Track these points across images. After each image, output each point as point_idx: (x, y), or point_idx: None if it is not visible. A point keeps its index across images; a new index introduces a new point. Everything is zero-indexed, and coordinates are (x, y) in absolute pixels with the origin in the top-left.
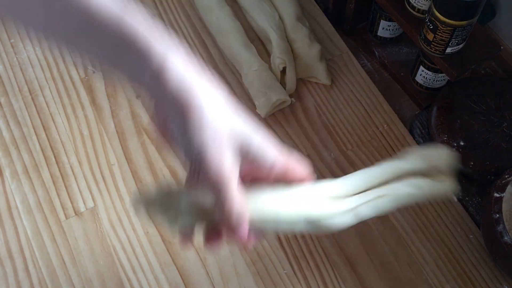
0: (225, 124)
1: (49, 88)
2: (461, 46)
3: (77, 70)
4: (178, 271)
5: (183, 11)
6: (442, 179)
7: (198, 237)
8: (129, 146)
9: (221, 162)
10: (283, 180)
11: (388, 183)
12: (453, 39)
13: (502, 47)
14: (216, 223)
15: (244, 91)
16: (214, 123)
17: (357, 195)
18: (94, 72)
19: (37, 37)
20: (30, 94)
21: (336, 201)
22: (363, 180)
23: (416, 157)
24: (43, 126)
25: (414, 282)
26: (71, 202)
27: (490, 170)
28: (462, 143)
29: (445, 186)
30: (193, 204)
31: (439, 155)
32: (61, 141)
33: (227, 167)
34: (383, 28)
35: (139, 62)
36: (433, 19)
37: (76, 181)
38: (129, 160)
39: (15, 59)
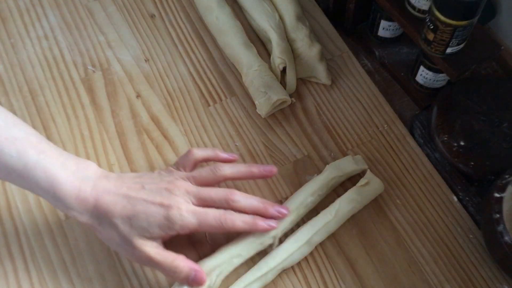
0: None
1: (49, 88)
2: (461, 46)
3: (77, 70)
4: None
5: (183, 11)
6: (367, 181)
7: (198, 237)
8: (129, 146)
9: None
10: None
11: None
12: (453, 39)
13: (502, 47)
14: None
15: (244, 91)
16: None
17: (307, 225)
18: (94, 72)
19: None
20: (30, 94)
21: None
22: (299, 204)
23: (331, 169)
24: (43, 126)
25: (414, 282)
26: None
27: (490, 170)
28: (462, 143)
29: (374, 186)
30: None
31: (348, 161)
32: (61, 141)
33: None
34: (383, 28)
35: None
36: (433, 19)
37: None
38: (129, 160)
39: (15, 59)
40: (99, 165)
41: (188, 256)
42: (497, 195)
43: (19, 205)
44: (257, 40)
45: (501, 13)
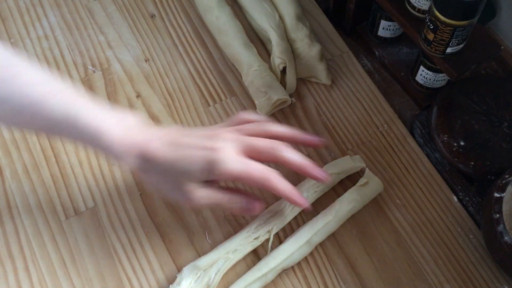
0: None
1: None
2: (461, 46)
3: (77, 70)
4: (178, 270)
5: (183, 11)
6: (367, 181)
7: (198, 237)
8: None
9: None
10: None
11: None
12: (453, 39)
13: (502, 47)
14: None
15: (244, 91)
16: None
17: (307, 226)
18: (94, 72)
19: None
20: None
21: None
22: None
23: (328, 166)
24: None
25: (414, 282)
26: (71, 202)
27: (490, 170)
28: (462, 143)
29: (374, 186)
30: None
31: (345, 160)
32: (62, 141)
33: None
34: (383, 28)
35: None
36: (433, 19)
37: (76, 181)
38: None
39: None
40: (99, 165)
41: (187, 255)
42: (497, 195)
43: (19, 205)
44: (257, 40)
45: (501, 13)
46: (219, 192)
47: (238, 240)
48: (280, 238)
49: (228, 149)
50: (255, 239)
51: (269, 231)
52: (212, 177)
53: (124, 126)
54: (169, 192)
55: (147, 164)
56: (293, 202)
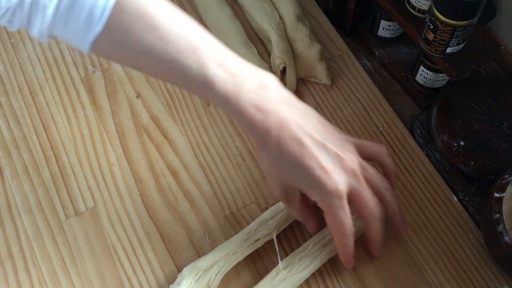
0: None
1: (49, 88)
2: (461, 46)
3: (77, 70)
4: (178, 270)
5: (183, 11)
6: None
7: (198, 237)
8: (129, 146)
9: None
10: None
11: None
12: (453, 39)
13: (502, 47)
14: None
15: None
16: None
17: (315, 244)
18: (94, 72)
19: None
20: (30, 94)
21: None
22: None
23: None
24: (43, 126)
25: (414, 282)
26: (71, 202)
27: (490, 170)
28: (462, 143)
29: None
30: None
31: None
32: (61, 141)
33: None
34: (383, 28)
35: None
36: (433, 19)
37: (76, 181)
38: (129, 160)
39: (15, 58)
40: (99, 165)
41: (187, 255)
42: (497, 195)
43: (19, 205)
44: (257, 40)
45: (501, 13)
46: (302, 205)
47: (238, 242)
48: (281, 240)
49: (341, 186)
50: (256, 241)
51: (270, 233)
52: (312, 197)
53: (259, 96)
54: (270, 174)
55: (267, 146)
56: (345, 262)
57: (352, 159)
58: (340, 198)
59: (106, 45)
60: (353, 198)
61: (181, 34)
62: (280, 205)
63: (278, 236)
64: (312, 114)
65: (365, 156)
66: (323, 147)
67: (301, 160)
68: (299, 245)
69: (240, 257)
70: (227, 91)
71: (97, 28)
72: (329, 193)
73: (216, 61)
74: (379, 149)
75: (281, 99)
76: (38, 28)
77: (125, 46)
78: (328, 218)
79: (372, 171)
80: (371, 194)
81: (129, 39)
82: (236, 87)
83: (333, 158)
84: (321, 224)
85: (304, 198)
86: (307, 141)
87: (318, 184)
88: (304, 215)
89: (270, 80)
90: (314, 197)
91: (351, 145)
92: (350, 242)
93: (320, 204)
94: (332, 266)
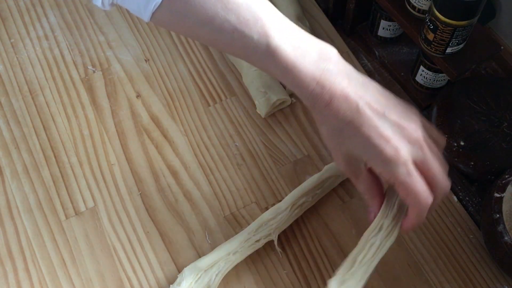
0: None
1: (49, 88)
2: (461, 46)
3: (77, 70)
4: (178, 270)
5: None
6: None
7: (198, 237)
8: (129, 146)
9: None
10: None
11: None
12: (453, 39)
13: (502, 47)
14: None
15: (244, 91)
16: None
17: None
18: (94, 72)
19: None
20: (30, 94)
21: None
22: None
23: (328, 169)
24: (43, 126)
25: (414, 282)
26: (71, 202)
27: (490, 170)
28: (462, 143)
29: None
30: None
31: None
32: (61, 141)
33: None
34: (383, 28)
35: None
36: (433, 19)
37: (76, 181)
38: (129, 160)
39: (15, 58)
40: (99, 165)
41: (187, 255)
42: (497, 195)
43: (19, 205)
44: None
45: (501, 13)
46: (370, 180)
47: (239, 242)
48: (282, 240)
49: (402, 151)
50: (256, 241)
51: (270, 234)
52: (370, 165)
53: (319, 69)
54: (332, 147)
55: (326, 118)
56: (406, 230)
57: (415, 128)
58: (404, 164)
59: (167, 15)
60: (419, 169)
61: (243, 4)
62: (281, 205)
63: (278, 237)
64: (373, 86)
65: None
66: (383, 116)
67: (360, 129)
68: (300, 246)
69: (240, 257)
70: (287, 63)
71: None
72: (390, 160)
73: (278, 32)
74: (442, 140)
75: (341, 71)
76: None
77: (185, 16)
78: (400, 191)
79: (435, 149)
80: (440, 165)
81: (190, 9)
82: (297, 59)
83: (393, 127)
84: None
85: (373, 176)
86: (366, 111)
87: (378, 152)
88: (371, 193)
89: (332, 53)
90: (377, 168)
91: (417, 119)
92: (426, 212)
93: (385, 176)
94: (332, 266)
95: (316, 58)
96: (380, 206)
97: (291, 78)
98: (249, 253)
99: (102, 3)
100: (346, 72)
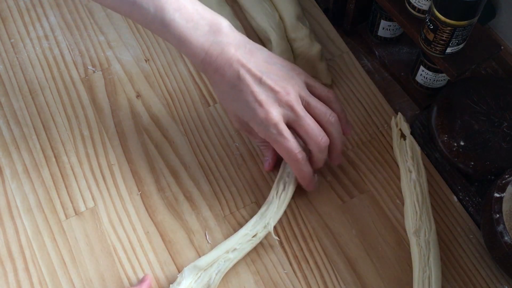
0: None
1: (49, 88)
2: (461, 46)
3: (77, 70)
4: (178, 270)
5: None
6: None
7: (198, 237)
8: (129, 146)
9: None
10: None
11: None
12: (453, 39)
13: (502, 47)
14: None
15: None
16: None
17: None
18: (94, 72)
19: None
20: (30, 94)
21: None
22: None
23: None
24: (43, 126)
25: None
26: (71, 202)
27: (490, 170)
28: (462, 143)
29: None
30: None
31: None
32: (61, 141)
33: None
34: (383, 28)
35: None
36: (433, 19)
37: (76, 181)
38: (129, 160)
39: (15, 58)
40: (99, 165)
41: (187, 255)
42: (497, 195)
43: (19, 205)
44: (257, 40)
45: (501, 13)
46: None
47: (236, 239)
48: (278, 231)
49: (272, 114)
50: (253, 236)
51: (265, 226)
52: (250, 129)
53: (209, 41)
54: (225, 109)
55: (216, 84)
56: (305, 186)
57: (288, 92)
58: (275, 125)
59: None
60: (294, 128)
61: None
62: (269, 194)
63: (278, 236)
64: (260, 53)
65: (316, 96)
66: (260, 81)
67: (240, 94)
68: (300, 246)
69: (239, 255)
70: (180, 35)
71: None
72: (263, 122)
73: (173, 6)
74: (326, 94)
75: (230, 42)
76: None
77: None
78: (275, 149)
79: (315, 103)
80: (312, 123)
81: None
82: (189, 31)
83: (268, 91)
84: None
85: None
86: (246, 77)
87: (253, 115)
88: (265, 144)
89: (222, 25)
90: (255, 128)
91: (298, 80)
92: (304, 166)
93: (262, 136)
94: (332, 266)
95: (207, 30)
96: (274, 154)
97: (184, 48)
98: (248, 249)
99: None
100: (235, 42)
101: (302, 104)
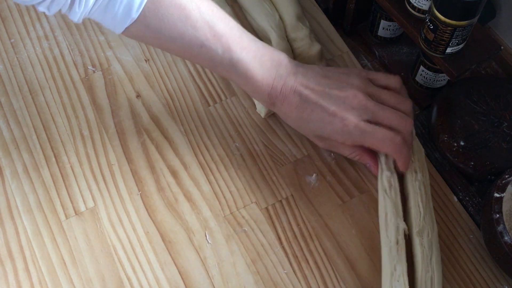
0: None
1: (49, 88)
2: (461, 46)
3: (77, 70)
4: (178, 270)
5: None
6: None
7: (198, 237)
8: (129, 146)
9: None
10: None
11: None
12: (453, 39)
13: (502, 47)
14: None
15: (244, 91)
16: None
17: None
18: (94, 72)
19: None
20: (30, 94)
21: None
22: None
23: None
24: (43, 126)
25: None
26: (71, 202)
27: (490, 170)
28: (462, 143)
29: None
30: None
31: None
32: (61, 141)
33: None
34: (383, 28)
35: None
36: (433, 19)
37: (76, 181)
38: (129, 160)
39: (15, 58)
40: (99, 165)
41: (187, 255)
42: (497, 195)
43: (19, 205)
44: None
45: (501, 13)
46: (353, 146)
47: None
48: (278, 231)
49: (348, 120)
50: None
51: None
52: (340, 140)
53: (273, 76)
54: (306, 134)
55: (288, 115)
56: (406, 167)
57: (355, 94)
58: (355, 127)
59: (141, 30)
60: (377, 123)
61: (209, 22)
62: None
63: (278, 236)
64: (313, 71)
65: (383, 87)
66: (325, 94)
67: (312, 114)
68: (300, 246)
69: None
70: (247, 73)
71: (135, 15)
72: (343, 130)
73: (239, 47)
74: (391, 83)
75: (290, 72)
76: (78, 15)
77: (159, 32)
78: (369, 146)
79: (386, 96)
80: (391, 112)
81: (163, 26)
82: (255, 69)
83: (336, 100)
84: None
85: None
86: (311, 96)
87: (332, 128)
88: (358, 153)
89: (281, 57)
90: (340, 139)
91: (360, 79)
92: (403, 146)
93: (349, 143)
94: (332, 266)
95: (269, 65)
96: (372, 158)
97: (251, 85)
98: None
99: (79, 20)
100: (293, 71)
101: (374, 99)
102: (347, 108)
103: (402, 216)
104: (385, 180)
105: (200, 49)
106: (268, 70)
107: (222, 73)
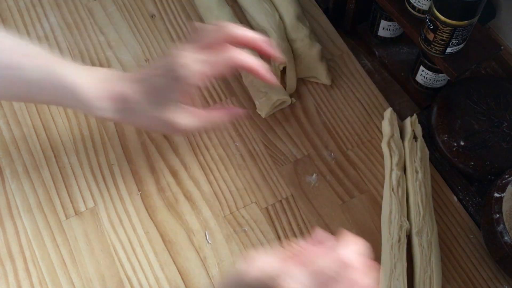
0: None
1: None
2: (461, 46)
3: None
4: (178, 270)
5: (183, 11)
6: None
7: (198, 237)
8: (129, 146)
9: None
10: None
11: None
12: (453, 39)
13: (502, 47)
14: None
15: (244, 91)
16: None
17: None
18: None
19: None
20: None
21: None
22: None
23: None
24: (44, 126)
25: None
26: (71, 202)
27: (490, 170)
28: (462, 143)
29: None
30: None
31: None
32: (62, 141)
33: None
34: (383, 28)
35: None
36: (433, 19)
37: (76, 181)
38: (129, 160)
39: None
40: (99, 165)
41: (187, 255)
42: (497, 195)
43: (19, 205)
44: None
45: (501, 13)
46: (200, 112)
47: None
48: (278, 231)
49: (188, 59)
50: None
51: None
52: (187, 87)
53: (97, 79)
54: (157, 128)
55: (125, 110)
56: (262, 77)
57: (187, 53)
58: (195, 60)
59: None
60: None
61: (15, 44)
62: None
63: (277, 235)
64: (143, 70)
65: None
66: (155, 67)
67: (148, 83)
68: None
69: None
70: (72, 86)
71: None
72: (185, 66)
73: (53, 61)
74: (216, 35)
75: (113, 74)
76: None
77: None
78: (215, 73)
79: (209, 34)
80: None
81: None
82: (78, 79)
83: (169, 64)
84: None
85: None
86: (139, 76)
87: (174, 77)
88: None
89: (103, 69)
90: (185, 81)
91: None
92: (248, 57)
93: (195, 78)
94: None
95: (94, 73)
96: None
97: (77, 96)
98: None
99: None
100: (119, 73)
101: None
102: (178, 59)
103: (406, 215)
104: (394, 179)
105: (12, 71)
106: (92, 77)
107: (41, 97)
